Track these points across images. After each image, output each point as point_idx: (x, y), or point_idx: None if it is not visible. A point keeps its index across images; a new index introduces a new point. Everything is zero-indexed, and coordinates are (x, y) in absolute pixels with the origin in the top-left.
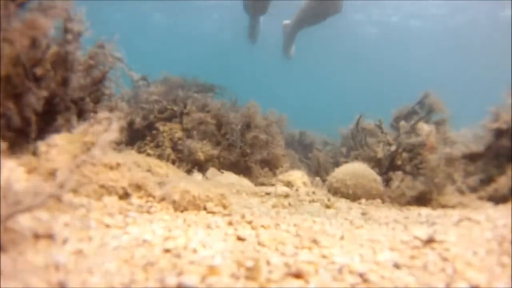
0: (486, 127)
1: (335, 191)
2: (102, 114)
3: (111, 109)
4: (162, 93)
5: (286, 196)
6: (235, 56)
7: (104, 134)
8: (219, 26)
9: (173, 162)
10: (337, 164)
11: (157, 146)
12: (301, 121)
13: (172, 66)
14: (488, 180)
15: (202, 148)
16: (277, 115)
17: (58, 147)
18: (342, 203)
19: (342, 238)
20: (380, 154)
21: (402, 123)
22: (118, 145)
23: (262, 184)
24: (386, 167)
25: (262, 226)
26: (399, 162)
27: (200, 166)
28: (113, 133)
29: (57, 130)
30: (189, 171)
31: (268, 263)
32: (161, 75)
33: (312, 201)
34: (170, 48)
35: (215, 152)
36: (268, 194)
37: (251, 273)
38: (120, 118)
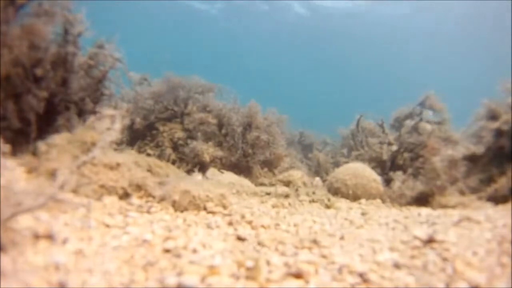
0: (486, 128)
1: (335, 191)
2: (107, 111)
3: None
4: (162, 92)
5: (286, 196)
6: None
7: (106, 133)
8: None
9: (173, 162)
10: (337, 164)
11: (157, 146)
12: (301, 121)
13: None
14: (488, 180)
15: (207, 150)
16: (277, 114)
17: (58, 147)
18: (342, 203)
19: (342, 238)
20: (385, 156)
21: (408, 122)
22: (118, 145)
23: (262, 184)
24: (387, 167)
25: (262, 226)
26: (400, 162)
27: (202, 167)
28: (115, 133)
29: (57, 130)
30: (189, 171)
31: (268, 263)
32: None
33: (312, 201)
34: None
35: (220, 153)
36: (268, 194)
37: (251, 273)
38: (124, 116)
